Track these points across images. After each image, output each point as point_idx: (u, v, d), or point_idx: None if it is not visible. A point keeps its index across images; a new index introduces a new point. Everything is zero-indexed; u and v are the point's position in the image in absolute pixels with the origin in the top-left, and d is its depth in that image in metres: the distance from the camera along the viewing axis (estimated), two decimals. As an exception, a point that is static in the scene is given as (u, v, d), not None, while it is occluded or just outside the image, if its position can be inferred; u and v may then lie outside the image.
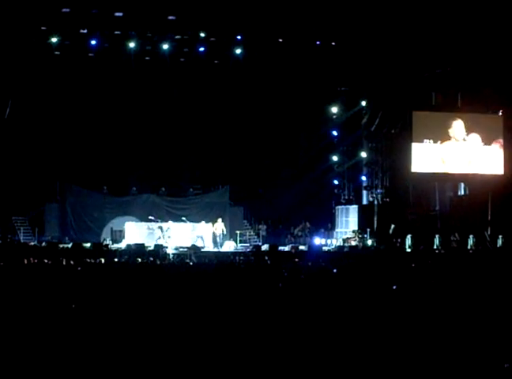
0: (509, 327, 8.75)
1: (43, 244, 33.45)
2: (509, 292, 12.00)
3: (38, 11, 32.12)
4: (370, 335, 8.48)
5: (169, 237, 35.02)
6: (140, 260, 25.91)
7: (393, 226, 36.68)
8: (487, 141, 37.29)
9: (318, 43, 36.13)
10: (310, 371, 7.50)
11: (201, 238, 35.78)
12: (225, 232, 36.40)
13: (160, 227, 35.40)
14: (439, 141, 36.71)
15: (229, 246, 35.56)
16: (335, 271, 17.66)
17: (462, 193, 39.25)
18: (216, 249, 34.63)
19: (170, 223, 35.80)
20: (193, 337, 8.31)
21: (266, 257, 29.65)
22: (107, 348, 7.92)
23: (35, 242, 34.44)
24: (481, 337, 8.34)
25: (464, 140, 37.04)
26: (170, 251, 32.18)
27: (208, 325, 8.83)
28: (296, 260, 27.20)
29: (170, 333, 8.50)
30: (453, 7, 32.42)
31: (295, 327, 8.83)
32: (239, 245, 36.26)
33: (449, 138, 36.88)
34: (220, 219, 36.50)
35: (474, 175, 37.39)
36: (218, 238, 35.97)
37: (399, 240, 35.42)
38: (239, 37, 35.89)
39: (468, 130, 37.08)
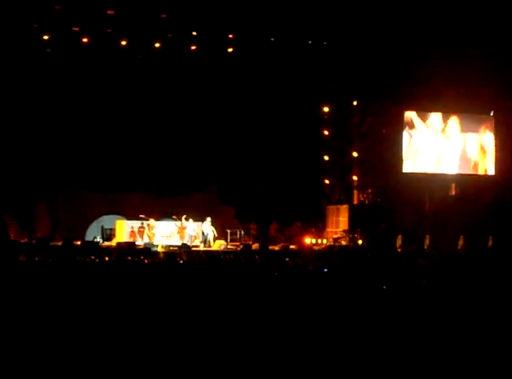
0: (499, 323, 8.77)
1: (34, 242, 33.35)
2: (499, 291, 12.03)
3: (30, 8, 32.06)
4: (360, 334, 8.49)
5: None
6: (130, 258, 25.88)
7: (383, 226, 36.71)
8: (479, 142, 37.44)
9: (309, 42, 36.14)
10: (300, 368, 7.51)
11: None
12: (215, 233, 36.27)
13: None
14: (431, 142, 36.83)
15: (219, 245, 35.50)
16: (325, 270, 17.65)
17: (453, 193, 39.31)
18: (206, 248, 34.55)
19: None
20: (185, 334, 8.32)
21: (256, 256, 29.63)
22: (99, 344, 7.92)
23: (26, 240, 34.31)
24: (471, 336, 8.36)
25: (456, 140, 37.20)
26: (160, 249, 32.12)
27: (199, 322, 8.83)
28: (287, 259, 27.20)
29: (161, 330, 8.50)
30: (444, 7, 32.54)
31: (285, 325, 8.83)
32: (230, 244, 36.21)
33: (441, 138, 37.01)
34: (209, 219, 36.25)
35: (465, 175, 37.52)
36: (210, 237, 35.78)
37: (390, 240, 35.44)
38: (230, 36, 35.86)
39: (461, 130, 37.26)
